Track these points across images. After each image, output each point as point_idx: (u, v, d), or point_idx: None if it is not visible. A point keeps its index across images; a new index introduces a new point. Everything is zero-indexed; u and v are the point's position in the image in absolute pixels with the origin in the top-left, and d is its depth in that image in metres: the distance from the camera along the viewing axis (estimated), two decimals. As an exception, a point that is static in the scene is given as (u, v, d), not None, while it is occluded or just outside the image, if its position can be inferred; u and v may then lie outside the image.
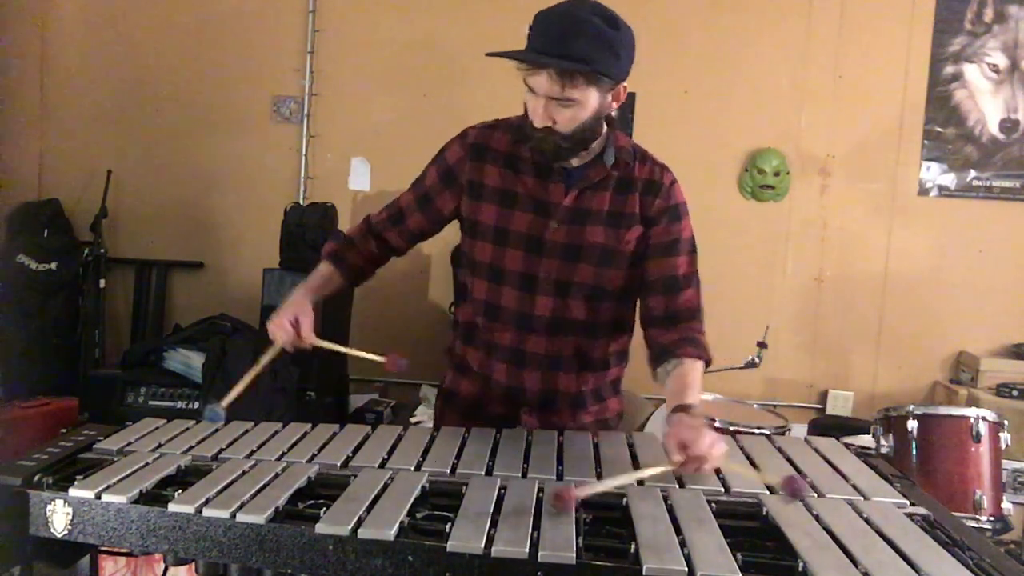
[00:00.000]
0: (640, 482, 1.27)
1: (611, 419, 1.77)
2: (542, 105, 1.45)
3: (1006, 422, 2.52)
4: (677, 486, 1.29)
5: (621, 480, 1.25)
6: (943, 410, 2.55)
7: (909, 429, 2.49)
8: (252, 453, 1.42)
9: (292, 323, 1.56)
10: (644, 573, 1.01)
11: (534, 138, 1.51)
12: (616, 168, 1.59)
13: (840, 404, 3.80)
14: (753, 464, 1.40)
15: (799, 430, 3.33)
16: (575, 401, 1.69)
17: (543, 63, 1.41)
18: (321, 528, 1.12)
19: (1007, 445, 2.50)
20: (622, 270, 1.62)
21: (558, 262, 1.60)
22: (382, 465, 1.36)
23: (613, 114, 1.58)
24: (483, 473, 1.33)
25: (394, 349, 1.66)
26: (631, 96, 3.58)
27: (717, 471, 1.33)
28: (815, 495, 1.27)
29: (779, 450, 1.49)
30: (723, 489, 1.29)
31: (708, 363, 1.53)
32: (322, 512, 1.16)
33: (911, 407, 2.54)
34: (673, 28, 3.73)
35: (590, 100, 1.46)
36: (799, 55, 3.74)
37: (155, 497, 1.23)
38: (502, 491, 1.24)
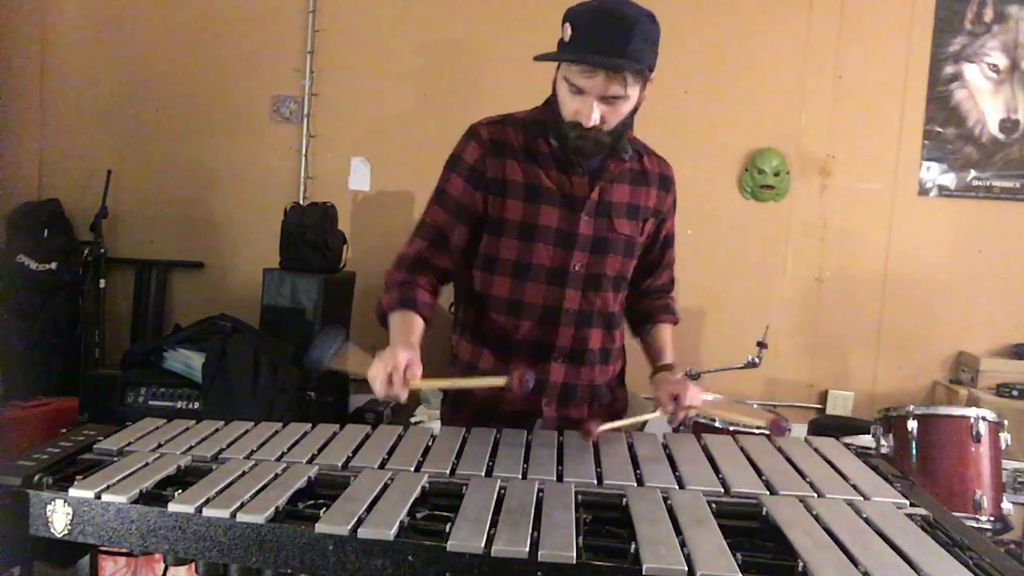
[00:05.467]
0: (643, 425, 1.64)
1: (621, 411, 1.78)
2: (592, 105, 1.45)
3: (1006, 422, 2.52)
4: (677, 487, 1.29)
5: (626, 422, 1.56)
6: (943, 410, 2.55)
7: (909, 429, 2.49)
8: (252, 453, 1.41)
9: (400, 370, 1.40)
10: (644, 573, 1.01)
11: (571, 137, 1.50)
12: (630, 161, 1.62)
13: (840, 404, 3.80)
14: (752, 462, 1.41)
15: (799, 430, 3.33)
16: (594, 392, 1.70)
17: (616, 65, 1.39)
18: (321, 528, 1.12)
19: (1007, 445, 2.50)
20: (637, 258, 1.70)
21: (589, 255, 1.61)
22: (382, 465, 1.36)
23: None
24: (483, 474, 1.33)
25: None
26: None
27: (717, 471, 1.35)
28: (815, 495, 1.27)
29: (779, 450, 1.49)
30: (723, 489, 1.29)
31: (676, 323, 1.79)
32: (322, 512, 1.16)
33: (911, 407, 2.54)
34: (673, 28, 3.70)
35: (634, 96, 1.48)
36: (799, 55, 3.74)
37: (155, 497, 1.23)
38: (502, 491, 1.24)
